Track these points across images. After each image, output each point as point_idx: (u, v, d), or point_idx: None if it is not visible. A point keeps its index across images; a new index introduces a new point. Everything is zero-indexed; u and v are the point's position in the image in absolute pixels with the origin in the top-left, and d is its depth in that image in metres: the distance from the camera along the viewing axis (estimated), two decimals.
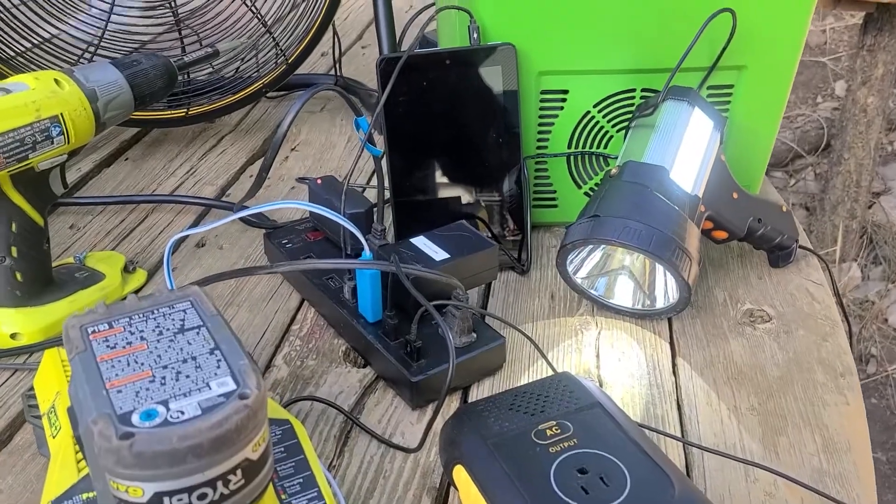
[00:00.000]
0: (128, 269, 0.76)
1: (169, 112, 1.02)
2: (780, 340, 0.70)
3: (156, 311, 0.47)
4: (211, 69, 1.10)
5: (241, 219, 0.84)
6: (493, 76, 0.76)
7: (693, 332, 0.71)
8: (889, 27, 2.22)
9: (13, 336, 0.67)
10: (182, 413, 0.40)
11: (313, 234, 0.78)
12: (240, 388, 0.42)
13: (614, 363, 0.67)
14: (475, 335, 0.64)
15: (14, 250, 0.66)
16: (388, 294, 0.64)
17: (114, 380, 0.42)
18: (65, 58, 1.00)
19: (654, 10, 0.74)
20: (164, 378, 0.42)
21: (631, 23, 0.74)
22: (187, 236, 0.83)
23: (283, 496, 0.48)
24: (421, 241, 0.68)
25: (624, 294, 0.73)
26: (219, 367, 0.43)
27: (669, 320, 0.72)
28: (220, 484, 0.41)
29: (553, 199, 0.83)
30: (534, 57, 0.75)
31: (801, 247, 0.80)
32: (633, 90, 0.78)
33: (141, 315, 0.47)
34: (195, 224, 0.87)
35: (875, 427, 2.20)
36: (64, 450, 0.49)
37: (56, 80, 0.65)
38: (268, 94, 1.10)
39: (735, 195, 0.74)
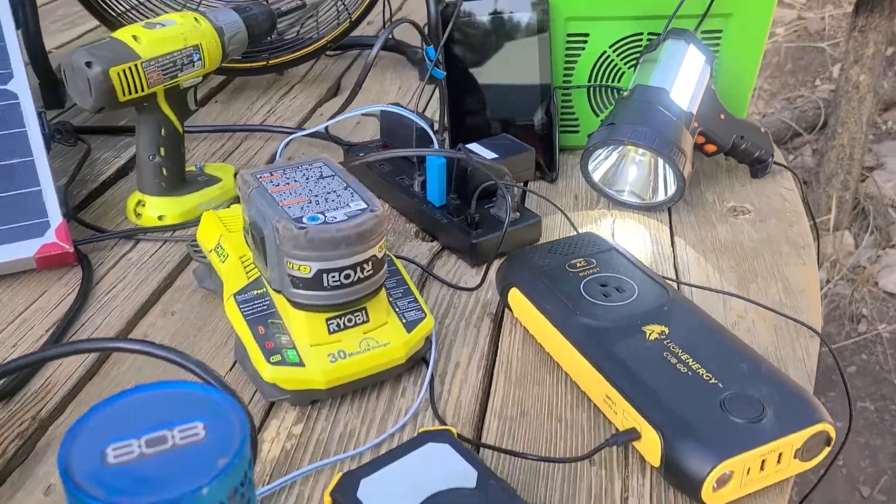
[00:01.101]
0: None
1: (249, 63, 1.21)
2: (756, 226, 0.88)
3: (300, 167, 0.66)
4: (276, 31, 1.29)
5: (325, 137, 1.03)
6: (529, 22, 0.95)
7: (688, 221, 0.90)
8: (879, 9, 2.38)
9: (160, 218, 0.86)
10: (335, 218, 0.59)
11: (384, 149, 0.97)
12: (370, 206, 0.61)
13: (626, 241, 0.86)
14: (518, 214, 0.83)
15: (162, 150, 0.85)
16: (453, 180, 0.83)
17: (283, 201, 0.61)
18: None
19: None
20: (317, 201, 0.61)
21: None
22: (293, 139, 1.01)
23: (390, 298, 0.67)
24: (474, 146, 0.87)
25: (632, 195, 0.92)
26: (353, 196, 0.62)
27: (669, 211, 0.91)
28: (358, 269, 0.60)
29: (576, 125, 1.02)
30: (562, 5, 0.94)
31: (776, 163, 0.98)
32: (641, 34, 0.96)
33: (290, 168, 0.66)
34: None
35: (866, 380, 2.38)
36: (235, 268, 0.68)
37: (195, 18, 0.85)
38: (327, 52, 1.29)
39: (722, 116, 0.93)
